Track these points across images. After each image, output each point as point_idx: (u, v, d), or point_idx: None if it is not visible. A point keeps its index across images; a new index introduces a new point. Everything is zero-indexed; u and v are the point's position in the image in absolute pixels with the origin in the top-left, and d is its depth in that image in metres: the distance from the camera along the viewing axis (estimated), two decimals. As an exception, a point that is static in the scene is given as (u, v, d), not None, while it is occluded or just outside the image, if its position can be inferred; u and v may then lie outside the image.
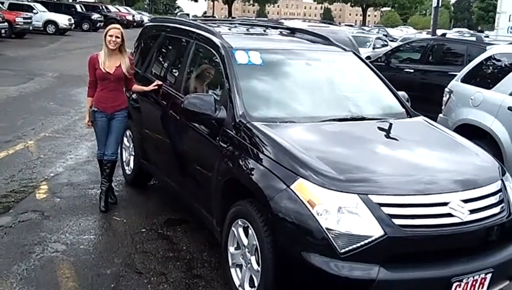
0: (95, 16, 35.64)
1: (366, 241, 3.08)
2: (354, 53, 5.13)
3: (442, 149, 4.02)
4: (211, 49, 4.64)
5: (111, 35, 5.04)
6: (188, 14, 62.18)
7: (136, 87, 5.41)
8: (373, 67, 5.08)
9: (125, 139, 6.25)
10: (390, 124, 4.23)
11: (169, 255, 4.56)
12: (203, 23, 5.29)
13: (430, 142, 4.10)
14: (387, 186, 3.29)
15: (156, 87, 5.24)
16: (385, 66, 11.32)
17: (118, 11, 44.76)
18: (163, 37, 5.86)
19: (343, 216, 3.13)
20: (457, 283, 3.19)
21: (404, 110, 4.65)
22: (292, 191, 3.29)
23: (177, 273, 4.27)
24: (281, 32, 5.78)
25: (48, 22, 29.52)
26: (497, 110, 5.92)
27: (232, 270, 3.89)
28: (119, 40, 5.06)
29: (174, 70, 5.35)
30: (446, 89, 6.89)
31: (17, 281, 3.98)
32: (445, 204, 3.27)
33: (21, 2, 29.01)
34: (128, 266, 4.33)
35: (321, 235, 3.13)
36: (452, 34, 24.05)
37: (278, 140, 3.65)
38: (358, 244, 3.09)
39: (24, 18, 25.55)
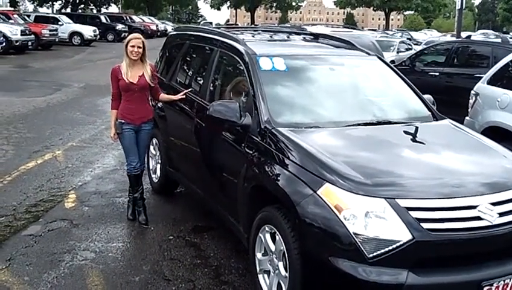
0: (120, 27, 36.12)
1: (394, 245, 3.06)
2: (378, 57, 5.12)
3: (469, 152, 3.98)
4: (235, 56, 4.67)
5: (133, 46, 5.00)
6: (211, 23, 62.66)
7: (164, 96, 5.38)
8: (398, 71, 5.05)
9: (151, 148, 6.32)
10: (416, 128, 4.19)
11: (197, 262, 4.58)
12: (227, 31, 5.33)
13: (456, 145, 4.07)
14: (414, 190, 3.27)
15: (184, 96, 5.21)
16: (410, 70, 11.22)
17: (142, 21, 45.31)
18: (187, 45, 5.91)
19: (371, 221, 3.12)
20: (488, 287, 3.15)
21: (430, 113, 4.61)
22: (319, 196, 3.28)
23: (205, 279, 4.29)
24: (304, 38, 5.79)
25: (74, 34, 30.04)
26: (525, 111, 5.83)
27: (260, 277, 3.89)
28: (140, 50, 5.02)
29: (199, 78, 5.40)
30: (472, 92, 6.81)
31: (47, 289, 4.05)
32: (473, 207, 3.23)
33: (47, 15, 29.70)
34: (157, 273, 4.36)
35: (349, 240, 3.12)
36: (477, 36, 23.80)
37: (304, 145, 3.65)
38: (387, 249, 3.07)
39: (50, 30, 26.07)
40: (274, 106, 4.14)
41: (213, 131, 4.64)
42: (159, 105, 5.92)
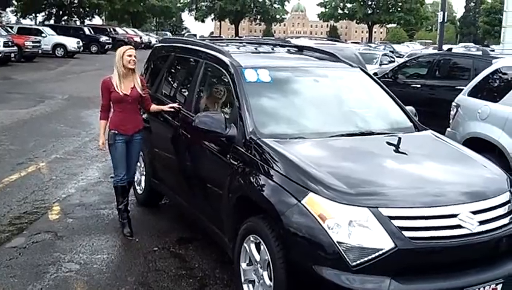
0: (103, 39, 36.07)
1: (377, 254, 3.12)
2: (361, 69, 5.21)
3: (450, 162, 4.07)
4: (221, 68, 4.72)
5: (130, 55, 5.06)
6: (195, 35, 62.78)
7: (154, 107, 5.38)
8: (380, 82, 5.13)
9: (135, 159, 6.33)
10: (399, 138, 4.27)
11: (181, 273, 4.59)
12: (212, 43, 5.39)
13: (438, 155, 4.15)
14: (396, 199, 3.34)
15: (173, 107, 5.20)
16: (392, 82, 11.39)
17: (125, 33, 45.25)
18: (172, 57, 5.96)
19: (354, 229, 3.17)
20: (468, 294, 3.21)
21: (412, 124, 4.70)
22: (303, 205, 3.33)
23: (190, 291, 4.31)
24: (288, 50, 5.86)
25: (57, 45, 29.94)
26: (504, 122, 5.95)
27: (245, 286, 3.92)
28: (136, 59, 5.10)
29: (184, 90, 5.44)
30: (453, 103, 6.94)
31: (31, 302, 4.04)
32: (454, 216, 3.30)
33: (30, 26, 29.56)
34: (142, 285, 4.36)
35: (332, 248, 3.16)
36: (458, 48, 24.13)
37: (288, 156, 3.70)
38: (370, 257, 3.12)
39: (33, 42, 25.96)
40: (259, 117, 4.19)
41: (198, 142, 4.67)
42: (143, 116, 5.94)
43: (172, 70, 5.95)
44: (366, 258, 3.12)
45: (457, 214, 3.31)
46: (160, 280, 4.45)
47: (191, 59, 5.44)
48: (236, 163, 4.06)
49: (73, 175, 7.44)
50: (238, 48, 5.61)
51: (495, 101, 6.24)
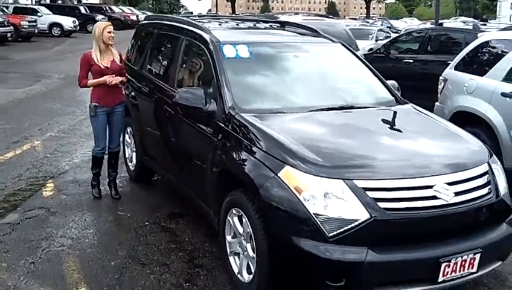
0: (99, 17, 35.54)
1: (352, 224, 3.21)
2: (342, 44, 5.24)
3: (428, 134, 4.14)
4: (201, 44, 4.79)
5: (109, 32, 5.36)
6: (191, 12, 62.20)
7: (91, 81, 5.45)
8: (361, 57, 5.18)
9: (126, 136, 6.44)
10: (378, 112, 4.36)
11: (171, 247, 4.71)
12: (193, 20, 5.43)
13: (416, 128, 4.23)
14: (372, 171, 3.42)
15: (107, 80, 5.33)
16: (384, 57, 11.43)
17: (122, 11, 44.90)
18: (156, 34, 6.04)
19: (330, 201, 3.26)
20: (446, 263, 3.31)
21: (393, 98, 4.77)
22: (280, 178, 3.42)
23: (180, 263, 4.42)
24: (271, 26, 5.90)
25: (53, 25, 29.79)
26: (490, 96, 6.01)
27: (231, 259, 4.03)
28: (114, 35, 5.41)
29: (166, 67, 5.51)
30: (441, 77, 6.99)
31: (24, 275, 4.14)
32: (430, 187, 3.39)
33: (25, 6, 29.31)
34: (132, 258, 4.48)
35: (309, 220, 3.26)
36: (456, 23, 24.03)
37: (265, 130, 3.79)
38: (346, 228, 3.22)
39: (29, 21, 25.87)
40: (238, 92, 4.26)
41: (181, 118, 4.76)
42: (132, 94, 6.04)
43: (156, 48, 6.01)
44: (342, 229, 3.22)
45: (433, 185, 3.40)
46: (151, 253, 4.57)
47: (173, 36, 5.50)
48: (217, 138, 4.15)
49: (67, 153, 7.53)
50: (219, 24, 5.66)
51: (481, 75, 6.29)
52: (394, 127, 4.17)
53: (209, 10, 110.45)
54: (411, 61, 10.62)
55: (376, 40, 18.95)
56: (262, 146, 3.69)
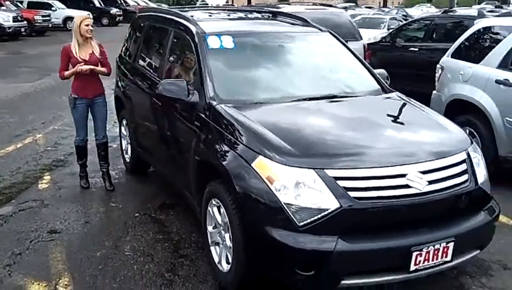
0: (114, 10, 35.99)
1: (323, 214, 3.21)
2: (331, 33, 5.19)
3: (407, 122, 4.11)
4: (187, 36, 4.79)
5: (87, 25, 5.45)
6: (206, 4, 62.05)
7: (67, 73, 5.56)
8: (349, 46, 5.12)
9: (122, 128, 6.50)
10: (360, 101, 4.34)
11: (158, 237, 4.75)
12: (181, 11, 5.43)
13: (396, 117, 4.19)
14: (343, 160, 3.40)
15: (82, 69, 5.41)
16: (390, 46, 11.33)
17: (136, 4, 44.98)
18: (147, 26, 6.08)
19: (301, 191, 3.25)
20: (418, 252, 3.29)
21: (379, 87, 4.72)
22: (253, 169, 3.42)
23: (164, 253, 4.46)
24: (262, 16, 5.87)
25: (68, 19, 29.90)
26: (485, 83, 5.93)
27: (212, 248, 4.06)
28: (92, 27, 5.50)
29: (156, 59, 5.53)
30: (438, 65, 6.91)
31: (10, 265, 4.22)
32: (403, 176, 3.36)
33: (40, 0, 29.48)
34: (118, 249, 4.53)
35: (280, 210, 3.26)
36: (470, 11, 23.62)
37: (241, 120, 3.79)
38: (316, 217, 3.21)
39: (43, 16, 26.12)
40: (220, 83, 4.26)
41: (168, 109, 4.78)
42: (125, 86, 6.10)
43: (147, 40, 6.03)
44: (312, 219, 3.22)
45: (406, 174, 3.37)
46: (137, 244, 4.61)
47: (162, 28, 5.53)
48: (198, 129, 4.16)
49: (67, 145, 7.58)
50: (210, 15, 5.66)
51: (477, 62, 6.20)
52: (373, 116, 4.13)
53: (227, 2, 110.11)
54: (417, 49, 10.50)
55: (388, 29, 18.75)
56: (237, 136, 3.70)
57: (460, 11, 16.61)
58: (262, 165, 3.40)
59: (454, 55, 6.67)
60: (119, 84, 6.44)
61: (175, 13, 5.35)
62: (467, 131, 6.18)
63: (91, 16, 5.69)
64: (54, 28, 27.89)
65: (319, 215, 3.21)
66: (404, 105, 4.42)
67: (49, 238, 4.71)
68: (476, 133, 6.07)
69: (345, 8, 34.14)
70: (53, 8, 29.50)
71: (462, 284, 4.03)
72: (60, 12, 30.06)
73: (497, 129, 5.77)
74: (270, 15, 5.85)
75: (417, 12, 38.31)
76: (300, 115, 4.06)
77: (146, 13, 6.52)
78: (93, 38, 5.59)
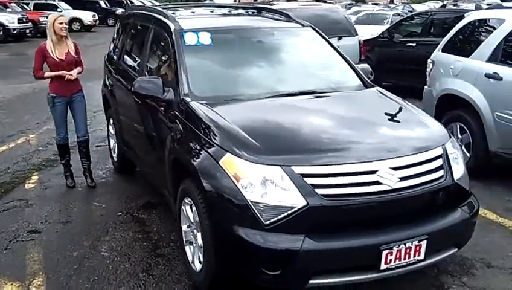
0: (120, 11, 35.78)
1: (289, 212, 3.13)
2: (313, 28, 5.10)
3: (383, 118, 4.00)
4: (164, 33, 4.74)
5: (61, 23, 5.46)
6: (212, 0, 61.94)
7: (47, 74, 5.60)
8: (330, 41, 5.03)
9: (110, 127, 6.46)
10: (338, 96, 4.25)
11: (138, 237, 4.70)
12: (162, 8, 5.38)
13: (372, 112, 4.08)
14: (310, 157, 3.31)
15: (62, 74, 5.48)
16: (388, 41, 11.22)
17: (142, 4, 45.12)
18: (131, 24, 6.04)
19: (267, 188, 3.18)
20: (388, 251, 3.20)
21: (360, 82, 4.64)
22: (221, 166, 3.36)
23: (141, 253, 4.41)
24: (247, 12, 5.80)
25: (73, 20, 30.06)
26: (475, 77, 5.81)
27: (186, 248, 4.00)
28: (66, 26, 5.49)
29: (138, 57, 5.49)
30: (429, 60, 6.80)
31: (-14, 265, 4.20)
32: (373, 172, 3.27)
33: (45, 2, 29.65)
34: (95, 248, 4.49)
35: (247, 208, 3.19)
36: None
37: (211, 117, 3.72)
38: (282, 216, 3.14)
39: (47, 17, 26.12)
40: (194, 80, 4.20)
41: (146, 107, 4.73)
42: (111, 84, 6.06)
43: (130, 38, 5.99)
44: (278, 217, 3.14)
45: (376, 171, 3.29)
46: (115, 244, 4.57)
47: (144, 25, 5.49)
48: (173, 126, 4.10)
49: (59, 145, 7.58)
50: (192, 12, 5.59)
51: (467, 56, 6.09)
52: (349, 112, 4.05)
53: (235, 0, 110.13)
54: (414, 44, 10.38)
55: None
56: (207, 134, 3.64)
57: (465, 5, 16.40)
58: (230, 163, 3.33)
59: (445, 49, 6.55)
60: (106, 82, 6.42)
61: (156, 10, 5.30)
62: (458, 126, 6.09)
63: (64, 15, 5.62)
64: (59, 29, 27.94)
65: (285, 214, 3.14)
66: (382, 100, 4.33)
67: (29, 238, 4.68)
68: (466, 129, 5.96)
69: (350, 5, 33.86)
70: (59, 10, 29.52)
71: (442, 284, 3.94)
72: (66, 13, 29.68)
73: (487, 124, 5.65)
74: (255, 11, 5.77)
75: (424, 8, 38.00)
76: (274, 111, 3.98)
77: (131, 11, 6.48)
78: (68, 37, 5.58)
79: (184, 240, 4.02)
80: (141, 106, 4.87)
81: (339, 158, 3.31)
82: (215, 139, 3.53)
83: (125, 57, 5.89)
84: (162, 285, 3.93)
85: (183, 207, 3.94)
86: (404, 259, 3.28)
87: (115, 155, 6.44)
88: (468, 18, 6.48)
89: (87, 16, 30.85)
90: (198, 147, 3.62)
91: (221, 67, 4.52)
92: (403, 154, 3.42)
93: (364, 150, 3.41)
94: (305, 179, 3.18)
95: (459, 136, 6.07)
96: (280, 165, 3.21)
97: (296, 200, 3.14)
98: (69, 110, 5.78)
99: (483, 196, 4.99)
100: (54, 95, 5.62)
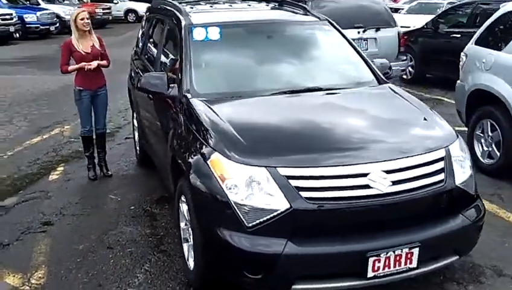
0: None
1: (272, 215, 3.04)
2: (330, 22, 4.92)
3: (385, 117, 3.82)
4: (176, 27, 4.70)
5: (82, 18, 5.57)
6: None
7: (71, 67, 5.73)
8: (347, 36, 4.83)
9: (134, 121, 6.52)
10: (343, 94, 4.09)
11: (145, 232, 4.71)
12: (179, 2, 5.33)
13: (375, 111, 3.90)
14: (297, 158, 3.20)
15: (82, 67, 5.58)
16: (433, 32, 10.81)
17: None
18: (152, 18, 6.06)
19: (251, 190, 3.10)
20: (375, 258, 3.06)
21: (373, 78, 4.44)
22: (208, 166, 3.29)
23: (145, 248, 4.41)
24: (267, 5, 5.65)
25: (129, 11, 30.70)
26: (506, 72, 5.48)
27: (184, 245, 3.96)
28: (88, 21, 5.59)
29: (154, 51, 5.49)
30: (462, 53, 6.45)
31: (-5, 255, 4.32)
32: (364, 175, 3.12)
33: (103, -6, 30.34)
34: (102, 242, 4.52)
35: (230, 209, 3.11)
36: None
37: (206, 115, 3.65)
38: (265, 218, 3.05)
39: (103, 9, 26.85)
40: (199, 76, 4.15)
41: (155, 103, 4.73)
42: (134, 78, 6.11)
43: (150, 32, 6.00)
44: (261, 219, 3.05)
45: (368, 173, 3.13)
46: (122, 238, 4.59)
47: (162, 20, 5.49)
48: (173, 123, 4.07)
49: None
50: (210, 6, 5.52)
51: (499, 49, 5.74)
52: (350, 111, 3.88)
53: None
54: (459, 36, 9.93)
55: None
56: (200, 131, 3.58)
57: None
58: (217, 163, 3.26)
59: (478, 42, 6.20)
60: (131, 75, 6.48)
61: (172, 4, 5.27)
62: (488, 124, 5.78)
63: (85, 9, 5.72)
64: (114, 21, 28.59)
65: (268, 217, 3.05)
66: (391, 99, 4.13)
67: (41, 230, 4.78)
68: (497, 126, 5.64)
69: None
70: (115, 1, 30.27)
71: (446, 292, 3.74)
72: (121, 4, 30.81)
73: (517, 122, 5.32)
74: (276, 4, 5.62)
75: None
76: (273, 110, 3.87)
77: (156, 5, 6.49)
78: (91, 32, 5.70)
79: (182, 237, 3.99)
80: (152, 100, 4.87)
81: (328, 160, 3.18)
82: (206, 138, 3.46)
83: (145, 50, 5.92)
84: (157, 282, 3.91)
85: (180, 205, 3.90)
86: (394, 267, 3.12)
87: (138, 148, 6.49)
88: (503, 9, 6.10)
89: (143, 7, 31.25)
90: (191, 145, 3.58)
91: (229, 63, 4.45)
92: (398, 156, 3.25)
93: (356, 151, 3.26)
94: (290, 181, 3.07)
95: (490, 133, 5.76)
96: (265, 167, 3.11)
97: (280, 203, 3.04)
98: None
99: (512, 198, 4.75)
100: (80, 88, 5.74)
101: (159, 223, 4.87)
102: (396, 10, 22.59)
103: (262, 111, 3.86)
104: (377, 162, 3.19)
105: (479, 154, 5.91)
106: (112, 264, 4.17)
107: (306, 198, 3.04)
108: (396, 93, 4.19)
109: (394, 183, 3.15)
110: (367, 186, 3.11)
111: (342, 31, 4.85)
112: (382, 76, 4.49)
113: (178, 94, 4.11)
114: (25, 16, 21.03)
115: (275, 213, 3.03)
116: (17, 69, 14.02)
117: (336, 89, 4.19)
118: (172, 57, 4.81)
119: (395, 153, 3.27)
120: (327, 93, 4.10)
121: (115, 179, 6.10)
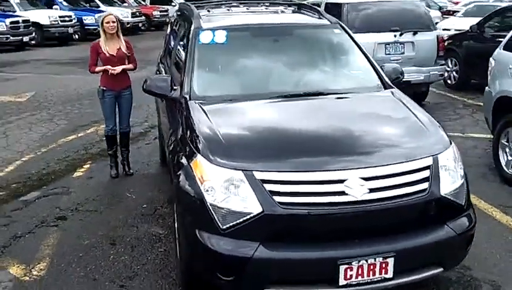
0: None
1: (244, 218, 3.05)
2: (341, 25, 4.86)
3: (375, 124, 3.73)
4: (187, 31, 4.82)
5: (108, 22, 5.75)
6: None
7: (97, 68, 5.93)
8: (356, 39, 4.75)
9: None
10: (339, 99, 4.05)
11: (151, 231, 4.81)
12: (197, 5, 5.40)
13: (368, 117, 3.82)
14: (273, 163, 3.19)
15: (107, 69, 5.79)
16: (478, 37, 10.43)
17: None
18: (174, 22, 6.22)
19: (227, 192, 3.12)
20: (346, 266, 3.02)
21: (378, 83, 4.36)
22: (190, 167, 3.34)
23: (145, 246, 4.51)
24: (285, 8, 5.60)
25: (187, 14, 31.24)
26: (533, 80, 5.25)
27: (177, 245, 4.02)
28: (115, 24, 5.75)
29: (171, 53, 5.60)
30: (491, 58, 6.21)
31: (6, 247, 4.52)
32: (340, 181, 3.08)
33: (162, -3, 31.02)
34: (106, 239, 4.65)
35: (207, 211, 3.15)
36: None
37: (197, 117, 3.71)
38: (238, 221, 3.07)
39: (160, 11, 27.50)
40: (200, 79, 4.21)
41: (166, 104, 4.83)
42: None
43: (172, 35, 6.13)
44: (234, 222, 3.07)
45: (345, 180, 3.09)
46: (127, 236, 4.71)
47: (180, 23, 5.62)
48: (174, 124, 4.16)
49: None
50: (228, 9, 5.56)
51: (527, 56, 5.50)
52: (341, 116, 3.83)
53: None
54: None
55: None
56: (190, 133, 3.63)
57: None
58: (198, 165, 3.30)
59: (507, 47, 5.95)
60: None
61: (188, 8, 5.36)
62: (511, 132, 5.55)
63: (112, 13, 5.94)
64: (172, 22, 29.20)
65: (241, 220, 3.06)
66: (390, 104, 4.04)
67: (53, 224, 4.97)
68: (521, 136, 5.41)
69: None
70: (173, 4, 30.85)
71: (437, 305, 3.63)
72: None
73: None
74: (293, 7, 5.60)
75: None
76: (263, 114, 3.89)
77: (178, 9, 6.61)
78: (119, 35, 5.88)
79: (176, 237, 4.04)
80: (164, 102, 4.98)
81: (304, 165, 3.16)
82: (193, 140, 3.52)
83: (167, 54, 6.06)
84: (149, 280, 3.99)
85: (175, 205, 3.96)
86: (368, 276, 3.07)
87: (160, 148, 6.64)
88: (532, 13, 5.84)
89: (199, 9, 31.90)
90: (182, 146, 3.64)
91: (233, 66, 4.49)
92: (377, 163, 3.19)
93: (335, 157, 3.23)
94: (265, 185, 3.07)
95: (514, 142, 5.53)
96: (242, 170, 3.12)
97: (253, 207, 3.04)
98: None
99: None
100: (104, 88, 5.96)
101: (166, 223, 4.95)
102: (453, 13, 21.99)
103: (253, 115, 3.87)
104: (354, 168, 3.14)
105: (503, 163, 5.68)
106: (110, 260, 4.29)
107: (279, 203, 3.03)
108: (398, 99, 4.09)
109: (371, 190, 3.09)
110: (343, 193, 3.06)
111: (352, 34, 4.78)
112: (388, 81, 4.39)
113: (179, 96, 4.18)
114: (84, 17, 21.85)
115: (248, 217, 3.04)
116: (69, 69, 14.57)
117: (336, 94, 4.14)
118: (181, 59, 4.89)
119: (374, 160, 3.22)
120: (326, 98, 4.07)
121: (135, 177, 6.25)
